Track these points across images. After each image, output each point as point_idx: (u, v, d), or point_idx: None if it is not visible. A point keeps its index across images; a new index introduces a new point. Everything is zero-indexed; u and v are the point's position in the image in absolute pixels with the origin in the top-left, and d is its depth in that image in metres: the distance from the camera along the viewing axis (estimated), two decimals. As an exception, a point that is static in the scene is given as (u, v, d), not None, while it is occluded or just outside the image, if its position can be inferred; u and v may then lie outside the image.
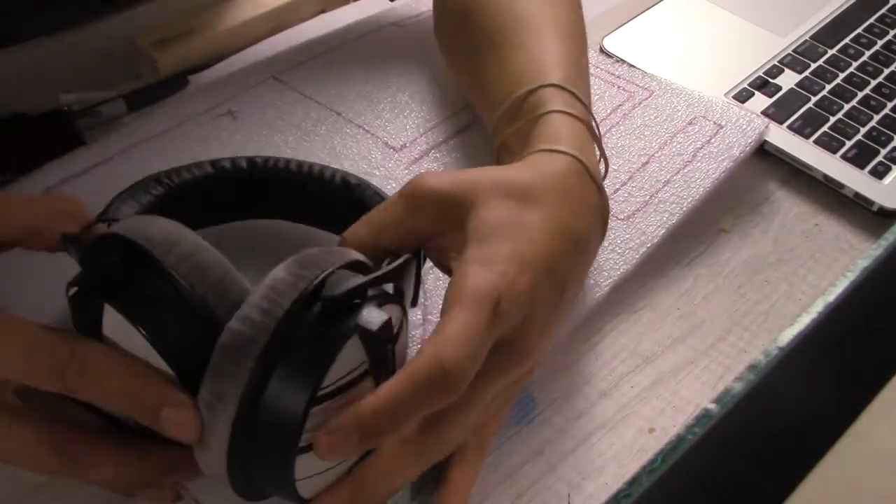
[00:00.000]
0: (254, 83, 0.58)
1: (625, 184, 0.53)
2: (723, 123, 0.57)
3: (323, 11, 0.72)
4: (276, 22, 0.69)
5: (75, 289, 0.35)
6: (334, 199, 0.45)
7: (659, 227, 0.51)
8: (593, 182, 0.43)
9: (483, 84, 0.51)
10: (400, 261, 0.37)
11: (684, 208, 0.52)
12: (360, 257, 0.37)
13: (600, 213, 0.44)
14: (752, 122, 0.57)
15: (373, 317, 0.34)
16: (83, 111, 0.61)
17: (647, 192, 0.53)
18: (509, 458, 0.43)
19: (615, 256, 0.49)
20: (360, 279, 0.34)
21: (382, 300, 0.34)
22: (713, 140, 0.56)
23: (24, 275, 0.46)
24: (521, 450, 0.44)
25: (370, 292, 0.35)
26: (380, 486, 0.35)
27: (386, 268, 0.36)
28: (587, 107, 0.47)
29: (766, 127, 0.57)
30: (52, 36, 0.60)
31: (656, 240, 0.50)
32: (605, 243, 0.50)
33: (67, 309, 0.36)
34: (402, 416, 0.33)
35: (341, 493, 0.35)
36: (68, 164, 0.52)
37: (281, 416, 0.32)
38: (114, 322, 0.34)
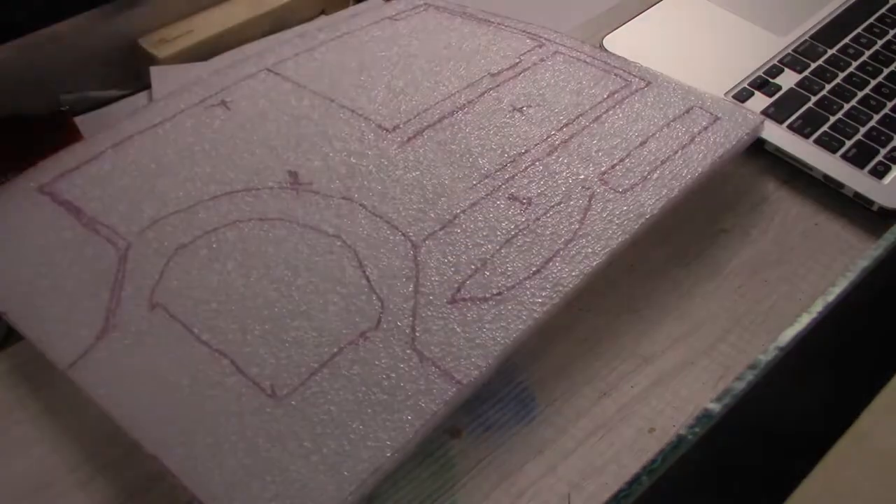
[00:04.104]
0: (247, 75, 0.59)
1: (622, 160, 0.53)
2: (719, 115, 0.57)
3: (324, 13, 0.72)
4: (276, 22, 0.69)
5: None
6: None
7: (658, 199, 0.51)
8: None
9: None
10: None
11: (683, 184, 0.52)
12: None
13: None
14: (747, 117, 0.57)
15: None
16: (83, 111, 0.61)
17: (646, 169, 0.53)
18: (509, 458, 0.44)
19: (612, 227, 0.49)
20: None
21: None
22: (710, 128, 0.56)
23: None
24: (521, 450, 0.44)
25: None
26: None
27: None
28: None
29: (762, 123, 0.57)
30: (52, 33, 0.60)
31: (655, 212, 0.50)
32: (603, 214, 0.49)
33: None
34: None
35: None
36: (62, 160, 0.52)
37: None
38: None
